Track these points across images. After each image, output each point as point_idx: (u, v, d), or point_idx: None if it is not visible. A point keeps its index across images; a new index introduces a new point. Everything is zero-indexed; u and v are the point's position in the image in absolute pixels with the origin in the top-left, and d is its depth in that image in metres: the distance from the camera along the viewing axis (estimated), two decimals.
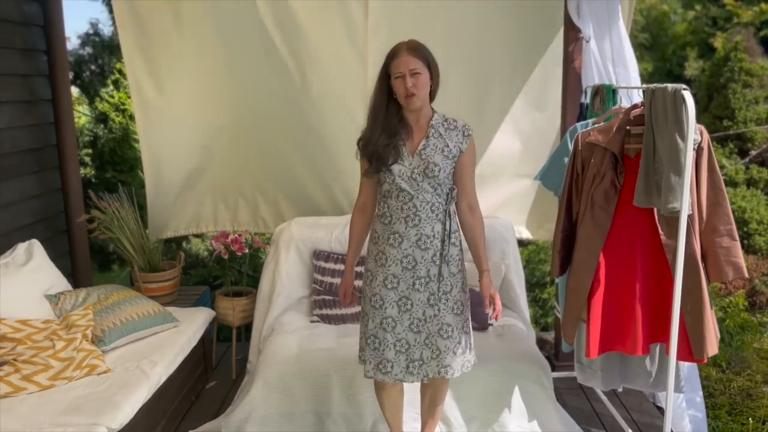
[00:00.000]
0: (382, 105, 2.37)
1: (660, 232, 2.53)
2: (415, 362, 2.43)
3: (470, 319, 2.52)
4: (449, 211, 2.40)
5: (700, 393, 3.04)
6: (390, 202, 2.39)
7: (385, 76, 2.36)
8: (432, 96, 2.42)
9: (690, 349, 2.53)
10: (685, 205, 2.37)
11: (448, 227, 2.39)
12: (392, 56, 2.32)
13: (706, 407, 3.20)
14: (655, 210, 2.52)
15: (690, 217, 2.42)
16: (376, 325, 2.42)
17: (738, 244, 2.50)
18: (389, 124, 2.36)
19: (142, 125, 3.96)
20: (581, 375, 2.92)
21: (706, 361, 2.56)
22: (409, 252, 2.38)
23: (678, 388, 2.72)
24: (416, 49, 2.31)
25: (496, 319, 2.44)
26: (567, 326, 2.76)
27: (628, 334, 2.64)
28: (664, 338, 2.64)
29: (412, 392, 2.91)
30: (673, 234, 2.48)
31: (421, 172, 2.34)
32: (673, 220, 2.46)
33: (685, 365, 2.83)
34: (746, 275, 2.50)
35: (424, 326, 2.42)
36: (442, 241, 2.39)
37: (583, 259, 2.66)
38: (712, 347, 2.50)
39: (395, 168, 2.35)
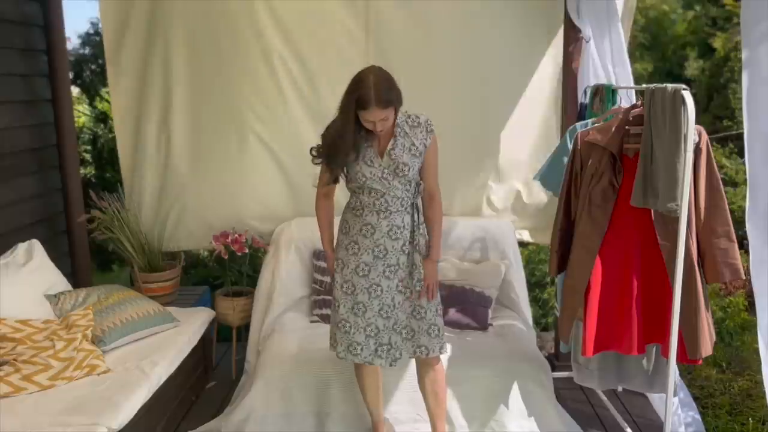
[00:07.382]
0: (349, 131, 2.37)
1: (657, 232, 2.53)
2: (383, 346, 2.56)
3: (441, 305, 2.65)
4: (416, 204, 2.56)
5: (688, 393, 3.06)
6: (362, 197, 2.52)
7: (353, 108, 2.33)
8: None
9: (684, 350, 2.53)
10: (684, 206, 2.37)
11: (416, 219, 2.56)
12: (362, 106, 2.31)
13: (706, 407, 3.21)
14: (652, 210, 2.51)
15: (687, 218, 2.41)
16: (348, 310, 2.57)
17: (735, 245, 2.49)
18: (355, 142, 2.41)
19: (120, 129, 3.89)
20: (578, 375, 2.92)
21: (700, 362, 2.56)
22: (381, 242, 2.52)
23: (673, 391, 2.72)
24: (382, 99, 2.30)
25: (429, 300, 2.57)
26: (563, 325, 2.77)
27: (624, 333, 2.64)
28: (660, 338, 2.63)
29: (412, 392, 2.92)
30: (669, 235, 2.47)
31: (392, 172, 2.45)
32: (669, 221, 2.46)
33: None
34: (743, 277, 2.49)
35: (392, 312, 2.55)
36: (411, 232, 2.55)
37: (580, 258, 2.66)
38: (706, 348, 2.49)
39: (366, 171, 2.46)
